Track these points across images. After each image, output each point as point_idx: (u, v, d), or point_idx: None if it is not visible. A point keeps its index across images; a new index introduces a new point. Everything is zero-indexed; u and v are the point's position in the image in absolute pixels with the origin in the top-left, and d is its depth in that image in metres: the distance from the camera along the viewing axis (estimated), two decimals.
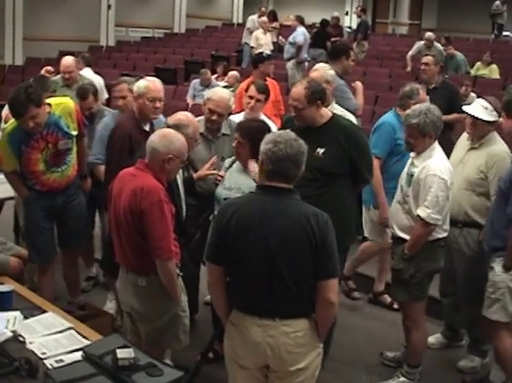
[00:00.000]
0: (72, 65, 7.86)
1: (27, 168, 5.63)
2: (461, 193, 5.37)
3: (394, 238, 5.31)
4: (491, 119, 5.35)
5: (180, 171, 4.70)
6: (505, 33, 24.76)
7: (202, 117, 5.69)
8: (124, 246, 4.31)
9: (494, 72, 15.34)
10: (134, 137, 5.43)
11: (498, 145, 5.39)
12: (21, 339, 3.81)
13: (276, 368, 3.68)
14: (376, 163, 5.81)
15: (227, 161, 5.31)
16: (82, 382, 3.27)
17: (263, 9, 19.17)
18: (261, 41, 15.42)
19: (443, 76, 9.53)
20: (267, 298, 3.59)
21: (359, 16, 19.49)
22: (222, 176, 5.20)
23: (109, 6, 21.53)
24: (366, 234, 6.71)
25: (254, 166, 4.77)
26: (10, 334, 3.81)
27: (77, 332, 3.96)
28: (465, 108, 5.54)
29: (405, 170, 5.26)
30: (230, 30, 24.68)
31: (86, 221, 6.22)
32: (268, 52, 13.47)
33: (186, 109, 9.46)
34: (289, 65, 15.00)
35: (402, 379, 5.36)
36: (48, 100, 5.59)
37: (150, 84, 5.60)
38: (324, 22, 16.96)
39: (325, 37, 16.30)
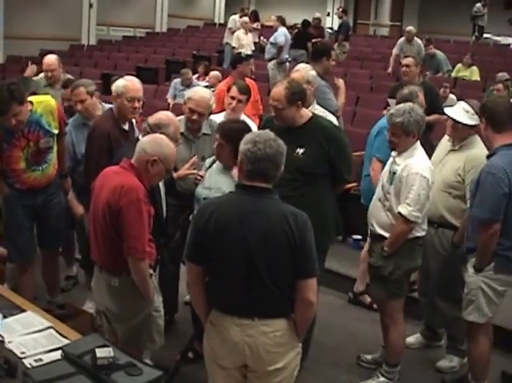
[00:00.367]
0: (54, 63, 7.77)
1: (8, 166, 5.61)
2: (438, 194, 5.40)
3: (373, 236, 5.33)
4: (472, 122, 5.36)
5: None
6: (485, 35, 24.90)
7: (182, 117, 5.68)
8: (100, 243, 4.32)
9: (474, 74, 15.43)
10: (113, 136, 5.44)
11: (478, 149, 5.40)
12: None
13: (254, 367, 3.68)
14: (377, 166, 5.87)
15: (208, 161, 5.31)
16: (61, 381, 3.26)
17: (245, 9, 19.17)
18: (243, 41, 15.45)
19: (423, 78, 9.58)
20: (246, 298, 3.59)
21: (340, 17, 19.52)
22: (202, 176, 5.20)
23: (91, 5, 21.47)
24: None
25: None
26: None
27: (57, 331, 3.93)
28: (446, 110, 5.56)
29: (387, 168, 5.29)
30: (211, 30, 24.69)
31: (66, 220, 6.19)
32: (248, 52, 13.51)
33: (167, 109, 9.42)
34: (270, 65, 15.01)
35: (381, 379, 5.38)
36: (29, 98, 5.57)
37: (129, 83, 5.59)
38: (305, 23, 17.00)
39: (306, 38, 16.33)
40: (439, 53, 15.42)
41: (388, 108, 6.32)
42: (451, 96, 11.29)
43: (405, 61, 8.22)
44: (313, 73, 6.20)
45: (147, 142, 4.31)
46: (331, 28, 24.68)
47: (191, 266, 3.76)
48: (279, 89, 4.96)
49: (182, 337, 5.50)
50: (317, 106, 6.03)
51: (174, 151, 4.38)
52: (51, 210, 5.89)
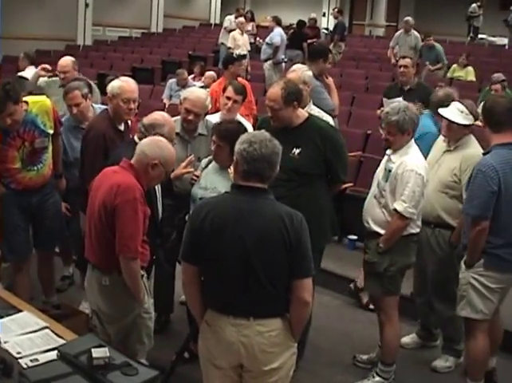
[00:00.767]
0: (68, 65, 7.72)
1: (3, 166, 5.60)
2: (434, 194, 5.43)
3: (368, 233, 5.34)
4: (467, 122, 5.39)
5: None
6: (480, 35, 24.93)
7: (178, 117, 5.68)
8: (94, 242, 4.33)
9: (469, 74, 15.42)
10: (108, 137, 5.43)
11: (473, 149, 5.42)
12: None
13: (250, 367, 3.69)
14: None
15: (204, 161, 5.31)
16: (57, 381, 3.26)
17: (241, 10, 19.17)
18: (239, 41, 15.43)
19: (418, 78, 9.60)
20: (242, 298, 3.59)
21: (336, 17, 19.55)
22: (197, 176, 5.20)
23: (87, 5, 21.43)
24: None
25: None
26: None
27: (53, 331, 3.93)
28: (441, 110, 5.57)
29: (382, 166, 5.32)
30: (207, 31, 24.69)
31: (61, 220, 6.18)
32: (243, 52, 13.48)
33: (162, 109, 9.43)
34: (266, 65, 15.03)
35: (377, 379, 5.39)
36: (25, 98, 5.56)
37: (124, 84, 5.58)
38: (301, 23, 16.97)
39: (302, 39, 16.29)
40: (438, 45, 15.33)
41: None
42: None
43: (402, 62, 8.25)
44: (310, 73, 6.19)
45: (146, 144, 4.30)
46: (326, 28, 24.62)
47: (186, 265, 3.76)
48: (275, 90, 4.96)
49: (177, 337, 5.50)
50: (313, 106, 6.03)
51: (173, 154, 4.38)
52: (46, 210, 5.88)
